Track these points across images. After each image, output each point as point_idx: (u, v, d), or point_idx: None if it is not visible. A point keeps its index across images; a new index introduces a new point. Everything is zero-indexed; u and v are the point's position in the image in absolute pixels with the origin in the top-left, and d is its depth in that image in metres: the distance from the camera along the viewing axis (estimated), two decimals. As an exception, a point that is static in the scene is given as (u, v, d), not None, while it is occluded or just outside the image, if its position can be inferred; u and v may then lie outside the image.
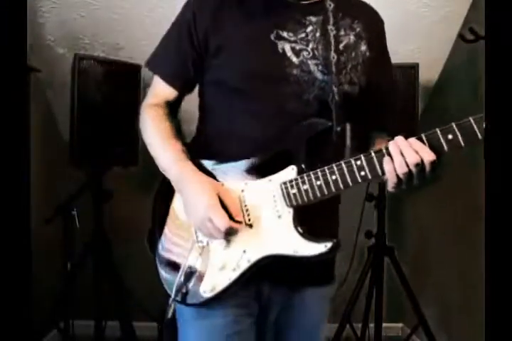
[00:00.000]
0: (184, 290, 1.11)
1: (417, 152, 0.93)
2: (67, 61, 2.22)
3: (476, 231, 2.15)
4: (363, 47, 1.18)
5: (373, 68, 1.18)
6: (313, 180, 1.01)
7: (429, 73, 2.45)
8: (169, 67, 1.21)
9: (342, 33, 1.15)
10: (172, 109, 1.24)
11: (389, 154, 0.94)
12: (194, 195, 1.09)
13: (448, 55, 2.46)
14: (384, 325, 2.46)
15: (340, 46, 1.14)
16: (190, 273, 1.11)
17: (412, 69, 2.22)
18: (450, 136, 0.92)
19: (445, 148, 0.93)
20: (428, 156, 0.93)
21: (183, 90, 1.23)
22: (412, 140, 0.94)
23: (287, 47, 1.11)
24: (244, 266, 1.07)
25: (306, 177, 1.02)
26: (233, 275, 1.08)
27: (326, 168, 1.00)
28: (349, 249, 2.61)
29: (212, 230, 1.05)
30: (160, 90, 1.23)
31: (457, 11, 2.28)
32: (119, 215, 2.58)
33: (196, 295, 1.11)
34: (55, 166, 2.61)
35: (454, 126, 0.92)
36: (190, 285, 1.11)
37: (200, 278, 1.10)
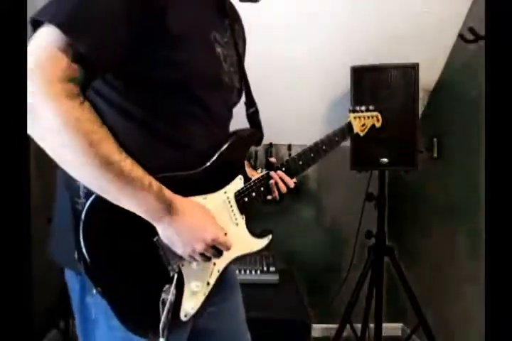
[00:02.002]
0: (169, 324, 0.98)
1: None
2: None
3: (476, 230, 2.16)
4: (243, 59, 1.22)
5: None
6: (258, 187, 1.18)
7: (429, 73, 2.45)
8: (100, 39, 0.81)
9: (238, 38, 1.15)
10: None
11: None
12: (201, 217, 0.99)
13: (448, 55, 2.46)
14: (384, 325, 2.46)
15: (240, 52, 1.15)
16: (170, 306, 0.98)
17: (412, 69, 2.22)
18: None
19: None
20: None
21: (97, 71, 0.85)
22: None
23: (220, 51, 1.02)
24: (216, 276, 1.10)
25: (253, 186, 1.16)
26: (207, 290, 1.09)
27: (263, 174, 1.20)
28: (349, 249, 2.62)
29: (214, 254, 1.01)
30: (68, 68, 0.81)
31: (457, 11, 2.28)
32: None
33: (177, 323, 1.03)
34: (54, 166, 2.61)
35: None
36: (169, 316, 0.98)
37: (178, 306, 1.03)
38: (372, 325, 2.46)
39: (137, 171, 0.88)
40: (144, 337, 0.97)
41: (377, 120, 1.49)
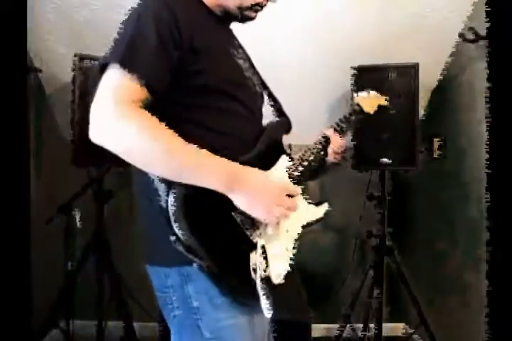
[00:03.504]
0: (265, 286, 1.11)
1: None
2: (68, 61, 2.22)
3: (477, 230, 2.15)
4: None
5: None
6: (302, 162, 1.32)
7: (429, 73, 2.45)
8: (153, 69, 1.05)
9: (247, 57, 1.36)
10: None
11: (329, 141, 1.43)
12: (263, 179, 1.12)
13: (449, 55, 2.46)
14: (384, 325, 2.46)
15: (253, 64, 1.36)
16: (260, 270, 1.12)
17: (412, 69, 2.22)
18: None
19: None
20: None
21: (159, 93, 1.08)
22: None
23: (239, 62, 1.26)
24: (292, 244, 1.23)
25: (297, 162, 1.31)
26: (288, 256, 1.21)
27: (303, 152, 1.36)
28: (350, 249, 2.62)
29: (290, 204, 1.13)
30: (134, 94, 1.03)
31: (458, 11, 2.28)
32: (119, 215, 2.58)
33: (269, 286, 1.12)
34: (55, 166, 2.61)
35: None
36: (263, 279, 1.12)
37: (268, 269, 1.13)
38: (372, 325, 2.46)
39: (199, 150, 1.04)
40: (245, 303, 1.11)
41: (383, 100, 1.69)
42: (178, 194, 1.05)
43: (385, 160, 2.22)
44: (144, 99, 1.03)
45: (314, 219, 1.30)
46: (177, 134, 1.03)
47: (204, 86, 1.13)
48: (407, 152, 2.23)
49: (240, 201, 1.08)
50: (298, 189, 1.21)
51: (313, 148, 1.39)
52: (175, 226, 1.03)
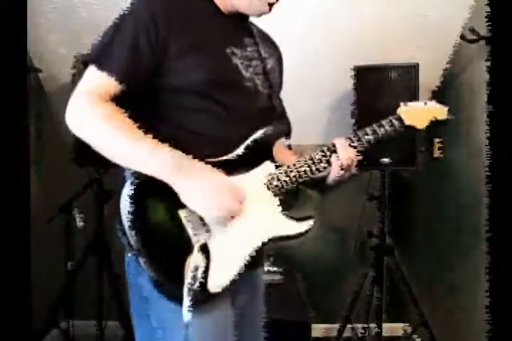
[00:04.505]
0: (194, 292, 1.08)
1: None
2: (68, 61, 2.22)
3: (478, 230, 2.15)
4: (277, 73, 1.39)
5: (281, 89, 1.42)
6: (289, 172, 1.22)
7: (429, 73, 2.45)
8: (123, 64, 1.11)
9: (266, 55, 1.33)
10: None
11: (335, 151, 1.25)
12: (209, 173, 1.09)
13: (449, 55, 2.46)
14: (385, 325, 2.46)
15: (268, 67, 1.31)
16: (195, 275, 1.09)
17: (412, 69, 2.22)
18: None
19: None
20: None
21: (132, 90, 1.13)
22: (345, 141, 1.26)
23: (238, 62, 1.22)
24: (245, 252, 1.15)
25: (283, 170, 1.22)
26: (237, 266, 1.14)
27: (295, 161, 1.24)
28: (350, 249, 2.62)
29: (231, 206, 1.09)
30: (105, 87, 1.11)
31: (458, 11, 2.27)
32: (119, 215, 2.58)
33: (204, 293, 1.09)
34: (55, 166, 2.62)
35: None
36: (196, 284, 1.09)
37: (205, 274, 1.10)
38: (372, 325, 2.46)
39: (146, 137, 1.07)
40: (180, 305, 1.07)
41: (443, 113, 1.25)
42: (131, 186, 1.09)
43: (385, 160, 2.22)
44: (114, 95, 1.10)
45: (290, 233, 1.21)
46: (155, 133, 1.08)
47: (179, 86, 1.15)
48: (407, 152, 2.23)
49: (182, 191, 1.08)
50: (242, 194, 1.13)
51: (310, 158, 1.24)
52: (123, 216, 1.08)
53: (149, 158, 1.06)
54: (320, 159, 1.24)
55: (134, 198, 1.09)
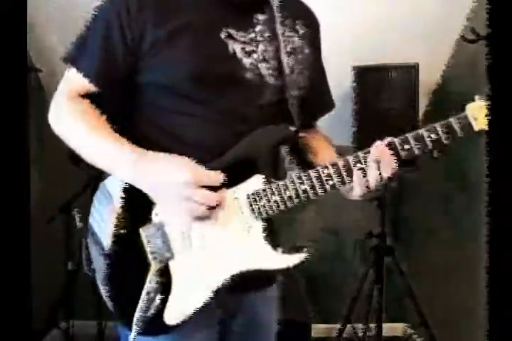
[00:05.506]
0: (146, 320, 0.96)
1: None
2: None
3: (477, 230, 2.15)
4: (307, 51, 1.15)
5: (313, 70, 1.18)
6: (283, 190, 0.95)
7: (429, 73, 2.44)
8: (97, 65, 1.03)
9: (288, 33, 1.10)
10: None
11: (360, 162, 0.94)
12: (172, 162, 0.94)
13: (449, 55, 2.46)
14: (385, 325, 2.46)
15: (288, 48, 1.08)
16: (151, 300, 0.96)
17: (412, 69, 2.22)
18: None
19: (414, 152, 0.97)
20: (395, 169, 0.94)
21: (107, 89, 1.05)
22: (385, 150, 0.94)
23: (238, 48, 1.01)
24: (215, 285, 0.97)
25: (274, 188, 0.96)
26: (203, 297, 0.96)
27: (294, 176, 0.96)
28: (350, 249, 2.62)
29: (200, 199, 0.92)
30: (83, 86, 1.05)
31: (458, 11, 2.27)
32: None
33: (160, 324, 0.97)
34: (55, 166, 2.61)
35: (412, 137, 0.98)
36: (151, 312, 0.96)
37: (163, 304, 0.97)
38: (372, 325, 2.46)
39: (113, 135, 1.00)
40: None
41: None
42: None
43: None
44: (88, 92, 1.05)
45: (273, 267, 0.97)
46: (134, 136, 1.01)
47: (159, 84, 1.02)
48: (407, 152, 2.23)
49: (142, 182, 0.96)
50: (218, 177, 0.94)
51: (323, 170, 0.95)
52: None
53: (114, 156, 0.99)
54: (329, 175, 0.96)
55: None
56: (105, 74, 1.04)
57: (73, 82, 1.06)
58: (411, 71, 2.22)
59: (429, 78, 2.49)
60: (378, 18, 2.32)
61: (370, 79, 2.26)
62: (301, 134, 1.10)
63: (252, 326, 1.16)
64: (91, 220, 1.08)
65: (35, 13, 2.20)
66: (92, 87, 1.05)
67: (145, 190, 0.98)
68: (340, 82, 2.43)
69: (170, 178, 0.92)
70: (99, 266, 1.03)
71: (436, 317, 2.42)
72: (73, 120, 1.04)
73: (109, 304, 1.03)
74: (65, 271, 2.28)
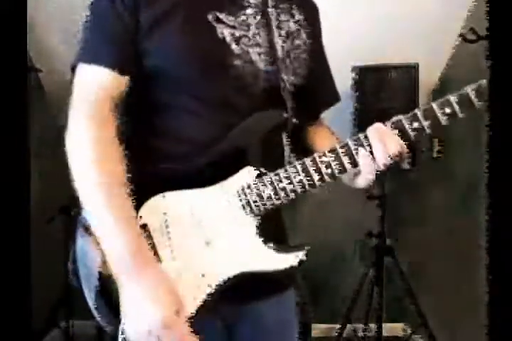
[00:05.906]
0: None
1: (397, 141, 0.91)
2: (68, 61, 2.21)
3: (477, 230, 2.15)
4: (304, 36, 1.08)
5: (313, 58, 1.10)
6: (275, 182, 0.87)
7: (429, 73, 2.45)
8: (113, 53, 0.93)
9: (283, 17, 1.03)
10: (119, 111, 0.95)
11: (362, 145, 0.89)
12: (157, 297, 0.85)
13: (449, 55, 2.46)
14: (385, 325, 2.46)
15: (282, 32, 1.01)
16: None
17: (412, 69, 2.22)
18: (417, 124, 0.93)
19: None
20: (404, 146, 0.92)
21: (134, 76, 0.94)
22: (388, 129, 0.92)
23: (226, 32, 0.94)
24: (206, 291, 0.90)
25: (266, 180, 0.88)
26: (193, 305, 0.90)
27: (287, 167, 0.88)
28: (350, 249, 2.62)
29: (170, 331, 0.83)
30: (105, 87, 0.92)
31: (458, 11, 2.27)
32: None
33: None
34: (55, 166, 2.61)
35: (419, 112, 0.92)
36: None
37: None
38: (372, 325, 2.46)
39: (128, 208, 0.89)
40: None
41: None
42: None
43: (385, 160, 2.22)
44: (121, 89, 0.93)
45: (267, 269, 0.90)
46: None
47: (148, 76, 0.94)
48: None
49: (128, 287, 0.86)
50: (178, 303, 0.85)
51: (320, 156, 0.86)
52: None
53: (116, 244, 0.87)
54: (328, 163, 0.87)
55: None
56: (127, 58, 0.93)
57: (93, 88, 0.93)
58: (411, 71, 2.22)
59: (429, 78, 2.50)
60: (378, 18, 2.32)
61: (370, 79, 2.26)
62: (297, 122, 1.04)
63: (261, 333, 1.12)
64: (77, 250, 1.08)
65: (35, 14, 2.20)
66: (119, 83, 0.92)
67: (121, 299, 0.87)
68: (340, 82, 2.43)
69: (147, 311, 0.84)
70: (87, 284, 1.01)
71: (437, 317, 2.42)
72: (93, 175, 0.95)
73: (96, 315, 0.98)
74: (65, 271, 2.28)
